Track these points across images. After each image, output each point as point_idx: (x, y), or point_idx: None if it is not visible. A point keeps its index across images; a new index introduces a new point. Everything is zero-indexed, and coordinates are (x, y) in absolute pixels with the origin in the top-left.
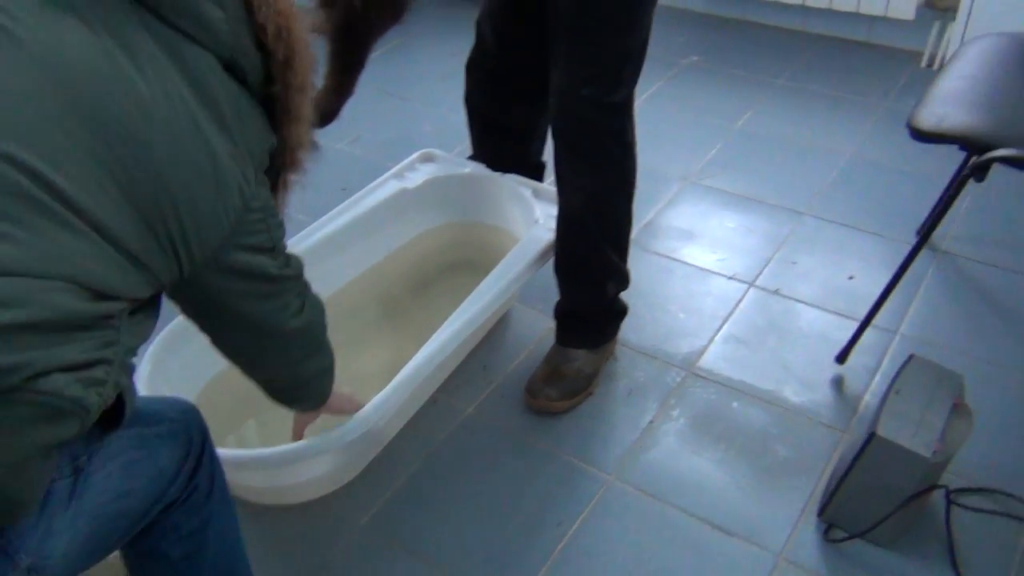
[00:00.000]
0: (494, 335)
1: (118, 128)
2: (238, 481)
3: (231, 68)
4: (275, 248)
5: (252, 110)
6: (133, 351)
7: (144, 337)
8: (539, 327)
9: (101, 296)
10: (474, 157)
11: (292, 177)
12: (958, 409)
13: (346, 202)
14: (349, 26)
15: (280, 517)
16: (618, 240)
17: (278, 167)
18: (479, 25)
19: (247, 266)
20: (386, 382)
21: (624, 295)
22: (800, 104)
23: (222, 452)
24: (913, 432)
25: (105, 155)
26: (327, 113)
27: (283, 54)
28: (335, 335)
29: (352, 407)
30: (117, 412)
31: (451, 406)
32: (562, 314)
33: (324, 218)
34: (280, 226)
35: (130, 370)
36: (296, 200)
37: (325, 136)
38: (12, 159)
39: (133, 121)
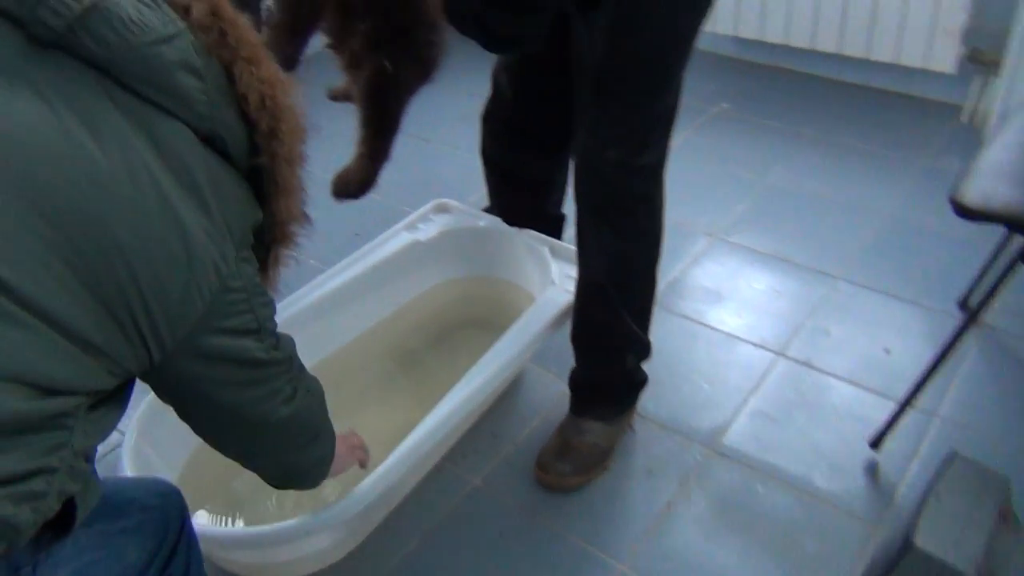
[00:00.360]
0: (505, 399)
1: (70, 207)
2: (226, 558)
3: (210, 140)
4: (261, 329)
5: (234, 184)
6: (88, 452)
7: (105, 433)
8: (553, 391)
9: (51, 392)
10: (490, 208)
11: (284, 251)
12: (1004, 518)
13: (356, 253)
14: (379, 89)
15: None
16: (641, 309)
17: (268, 242)
18: (495, 77)
19: (228, 351)
20: (389, 445)
21: (645, 363)
22: (834, 158)
23: (211, 531)
24: (954, 544)
25: (56, 238)
26: (363, 181)
27: (267, 124)
28: (340, 391)
29: (358, 457)
30: (67, 516)
31: (456, 476)
32: (577, 384)
33: (333, 269)
34: (267, 305)
35: (82, 473)
36: (309, 244)
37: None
38: None
39: (88, 199)
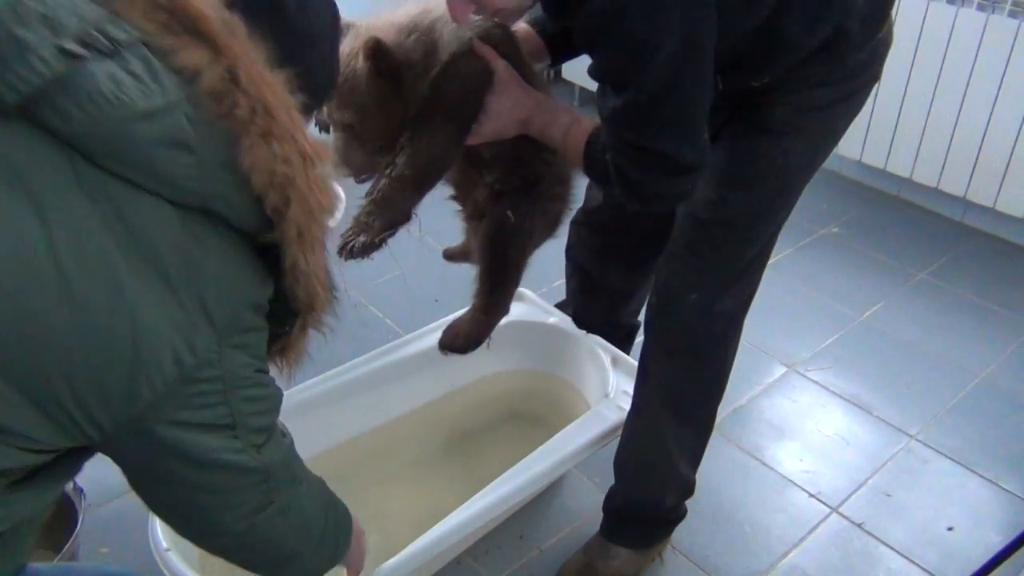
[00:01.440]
0: (539, 500)
1: None
2: None
3: (205, 212)
4: (236, 425)
5: (228, 261)
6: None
7: (26, 514)
8: (590, 503)
9: None
10: (565, 304)
11: (312, 321)
12: None
13: (423, 328)
14: (501, 240)
15: None
16: (692, 449)
17: (294, 312)
18: (589, 190)
19: (181, 445)
20: (414, 527)
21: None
22: (940, 306)
23: None
24: None
25: None
26: (475, 337)
27: (274, 203)
28: (379, 464)
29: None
30: None
31: (474, 572)
32: (612, 508)
33: (398, 341)
34: (257, 399)
35: None
36: (391, 307)
37: (435, 236)
38: None
39: (17, 287)
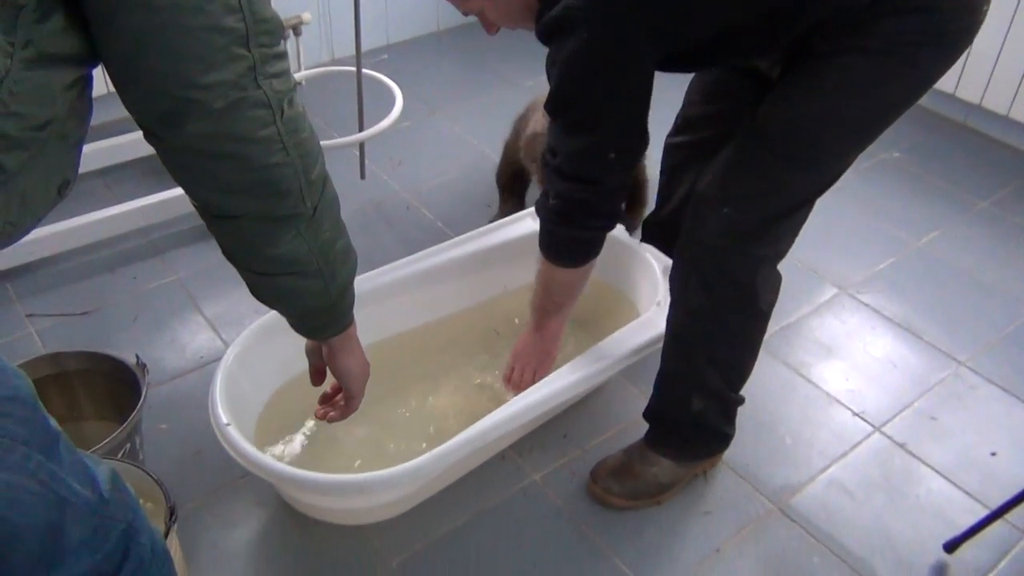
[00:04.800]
0: (585, 403)
1: None
2: (282, 492)
3: None
4: None
5: None
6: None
7: (35, 114)
8: (635, 408)
9: None
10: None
11: None
12: None
13: (476, 231)
14: None
15: (318, 540)
16: (728, 366)
17: None
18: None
19: None
20: (459, 425)
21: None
22: (999, 236)
23: (281, 468)
24: None
25: None
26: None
27: None
28: (422, 362)
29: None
30: None
31: (518, 467)
32: (647, 414)
33: (452, 241)
34: None
35: None
36: (443, 210)
37: (490, 144)
38: None
39: None
